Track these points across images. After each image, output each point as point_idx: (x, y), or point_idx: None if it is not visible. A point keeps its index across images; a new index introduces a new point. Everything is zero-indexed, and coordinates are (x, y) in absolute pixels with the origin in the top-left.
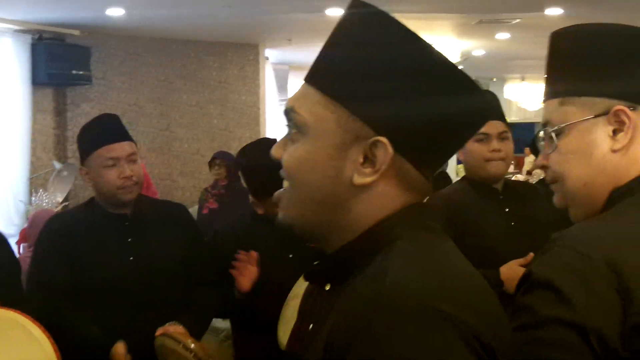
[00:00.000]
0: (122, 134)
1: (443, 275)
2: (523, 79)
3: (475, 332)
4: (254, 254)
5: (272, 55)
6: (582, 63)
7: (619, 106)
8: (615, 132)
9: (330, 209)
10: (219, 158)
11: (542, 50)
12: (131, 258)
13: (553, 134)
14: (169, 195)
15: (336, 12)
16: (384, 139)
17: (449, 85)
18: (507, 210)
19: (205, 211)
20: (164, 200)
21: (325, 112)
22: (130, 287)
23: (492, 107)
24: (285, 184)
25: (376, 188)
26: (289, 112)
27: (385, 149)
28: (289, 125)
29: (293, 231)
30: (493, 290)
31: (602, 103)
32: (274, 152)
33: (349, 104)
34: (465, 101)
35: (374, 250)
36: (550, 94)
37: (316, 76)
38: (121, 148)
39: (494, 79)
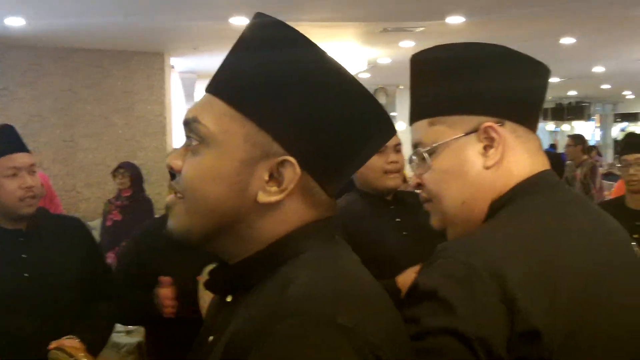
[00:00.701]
0: (21, 145)
1: (346, 288)
2: None
3: (374, 348)
4: (166, 280)
5: (178, 63)
6: (447, 82)
7: (488, 123)
8: (486, 148)
9: (231, 222)
10: (123, 168)
11: None
12: (25, 274)
13: (425, 154)
14: (74, 207)
15: (240, 21)
16: (292, 159)
17: (355, 104)
18: (399, 220)
19: (109, 223)
20: (60, 215)
21: (233, 125)
22: (26, 303)
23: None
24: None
25: (281, 205)
26: (190, 123)
27: (293, 169)
28: (189, 136)
29: (188, 240)
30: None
31: (470, 120)
32: (173, 163)
33: (258, 119)
34: (373, 119)
35: (278, 262)
36: (417, 115)
37: (222, 87)
38: (22, 158)
39: (401, 87)
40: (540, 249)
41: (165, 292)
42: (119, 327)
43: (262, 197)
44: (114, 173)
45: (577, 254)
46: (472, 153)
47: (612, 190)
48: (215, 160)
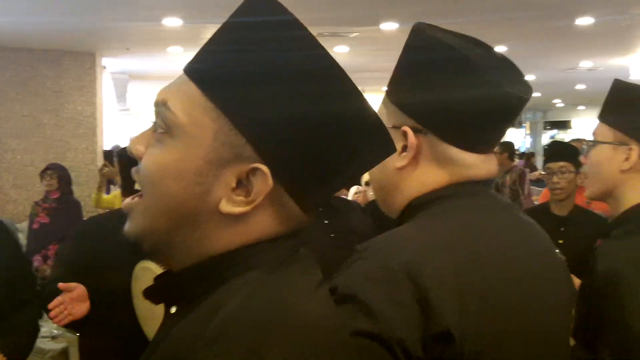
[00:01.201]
0: None
1: (277, 320)
2: (363, 91)
3: None
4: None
5: (110, 64)
6: (398, 70)
7: (406, 127)
8: (404, 148)
9: (186, 228)
10: (51, 169)
11: (379, 62)
12: None
13: None
14: (1, 210)
15: (173, 22)
16: (264, 168)
17: (350, 114)
18: (326, 222)
19: (35, 226)
20: None
21: (204, 118)
22: None
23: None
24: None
25: (244, 217)
26: (159, 106)
27: (265, 180)
28: (155, 122)
29: (140, 246)
30: None
31: (399, 116)
32: (134, 148)
33: (233, 115)
34: (368, 132)
35: (221, 278)
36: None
37: (199, 69)
38: None
39: None
40: (457, 252)
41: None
42: (44, 332)
43: (225, 207)
44: (42, 174)
45: (492, 258)
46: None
47: (539, 197)
48: (178, 154)
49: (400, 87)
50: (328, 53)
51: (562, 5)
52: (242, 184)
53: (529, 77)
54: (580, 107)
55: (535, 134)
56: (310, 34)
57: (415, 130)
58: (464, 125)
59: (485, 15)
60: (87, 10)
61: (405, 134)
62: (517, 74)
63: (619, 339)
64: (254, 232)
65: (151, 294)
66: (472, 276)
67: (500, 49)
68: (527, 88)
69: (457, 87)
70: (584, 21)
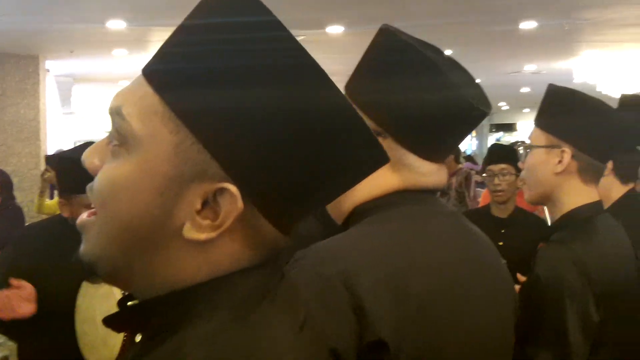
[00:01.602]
0: None
1: None
2: None
3: None
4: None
5: (54, 66)
6: (359, 70)
7: None
8: None
9: (144, 253)
10: None
11: (326, 65)
12: None
13: None
14: None
15: (117, 25)
16: (233, 188)
17: (334, 121)
18: None
19: None
20: None
21: (162, 129)
22: None
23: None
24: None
25: (212, 243)
26: (113, 114)
27: (234, 201)
28: (110, 132)
29: (95, 270)
30: None
31: None
32: (88, 161)
33: (195, 127)
34: (357, 141)
35: (187, 315)
36: None
37: (156, 68)
38: None
39: None
40: (395, 261)
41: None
42: None
43: (189, 232)
44: None
45: (432, 267)
46: None
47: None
48: (134, 170)
49: (360, 87)
50: (306, 52)
51: (506, 10)
52: (209, 205)
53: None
54: (525, 110)
55: (481, 137)
56: (287, 32)
57: (376, 133)
58: (424, 132)
59: (430, 20)
60: (30, 11)
61: None
62: (469, 77)
63: (559, 343)
64: (224, 260)
65: (109, 322)
66: (409, 286)
67: (445, 52)
68: (483, 97)
69: (420, 90)
70: (528, 25)
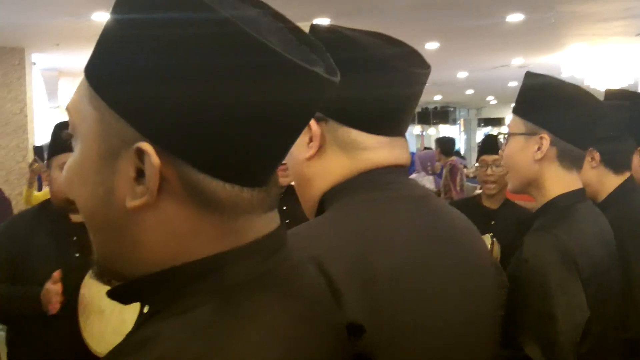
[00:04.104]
0: None
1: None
2: None
3: None
4: (57, 274)
5: (40, 60)
6: None
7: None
8: (311, 139)
9: (111, 237)
10: None
11: None
12: None
13: None
14: None
15: (102, 17)
16: (145, 145)
17: (239, 46)
18: (285, 208)
19: None
20: None
21: (88, 109)
22: None
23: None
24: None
25: (163, 212)
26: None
27: (149, 159)
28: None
29: (96, 268)
30: None
31: None
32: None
33: (105, 94)
34: (284, 71)
35: (167, 297)
36: None
37: (88, 63)
38: None
39: None
40: (365, 244)
41: (56, 288)
42: None
43: (129, 202)
44: None
45: (402, 248)
46: (301, 142)
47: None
48: (79, 157)
49: None
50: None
51: (493, 1)
52: (142, 173)
53: (462, 75)
54: (513, 104)
55: (469, 131)
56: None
57: (317, 119)
58: (360, 105)
59: (416, 12)
60: (15, 4)
61: (308, 125)
62: (421, 59)
63: (545, 331)
64: (185, 228)
65: (112, 294)
66: (376, 267)
67: (432, 46)
68: (412, 57)
69: (355, 73)
70: (515, 18)
